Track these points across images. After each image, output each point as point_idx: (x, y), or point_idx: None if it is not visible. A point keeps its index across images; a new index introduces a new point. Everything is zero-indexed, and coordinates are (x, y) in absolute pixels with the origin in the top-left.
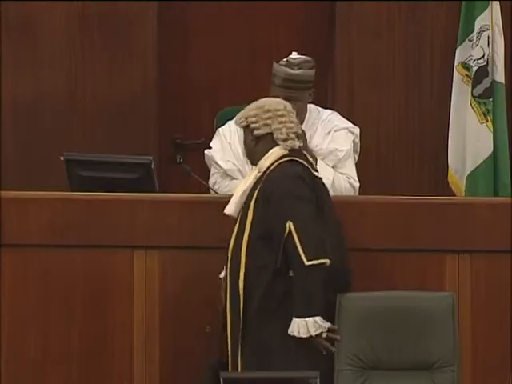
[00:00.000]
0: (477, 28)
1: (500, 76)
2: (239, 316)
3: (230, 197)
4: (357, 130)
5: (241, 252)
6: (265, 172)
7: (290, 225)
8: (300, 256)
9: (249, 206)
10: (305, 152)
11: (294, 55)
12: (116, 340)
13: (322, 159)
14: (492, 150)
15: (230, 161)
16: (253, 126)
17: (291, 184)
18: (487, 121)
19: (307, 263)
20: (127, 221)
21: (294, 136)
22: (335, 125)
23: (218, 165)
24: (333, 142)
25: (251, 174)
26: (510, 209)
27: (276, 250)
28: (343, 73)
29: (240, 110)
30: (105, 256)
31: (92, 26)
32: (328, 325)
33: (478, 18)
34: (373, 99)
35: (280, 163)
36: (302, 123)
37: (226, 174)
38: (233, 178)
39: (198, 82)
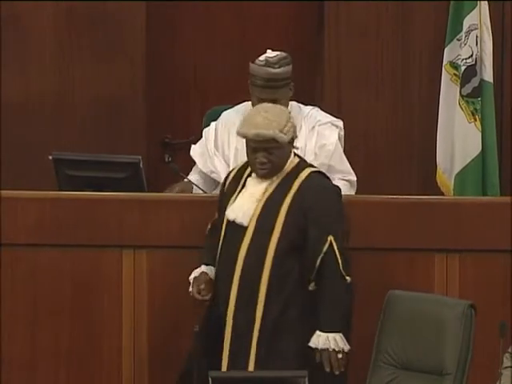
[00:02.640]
0: (465, 27)
1: (488, 75)
2: (252, 323)
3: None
4: (340, 122)
5: (264, 259)
6: (288, 179)
7: (331, 239)
8: (341, 271)
9: (275, 214)
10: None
11: (270, 53)
12: (104, 339)
13: (314, 157)
14: (480, 149)
15: (208, 165)
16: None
17: (333, 199)
18: (475, 120)
19: (348, 280)
20: (116, 220)
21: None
22: (318, 120)
23: (199, 170)
24: (319, 136)
25: (260, 182)
26: (497, 208)
27: (299, 260)
28: (332, 72)
29: (228, 109)
30: (93, 255)
31: (81, 26)
32: (348, 347)
33: (467, 18)
34: (361, 99)
35: (310, 174)
36: None
37: (206, 176)
38: (211, 179)
39: (186, 82)
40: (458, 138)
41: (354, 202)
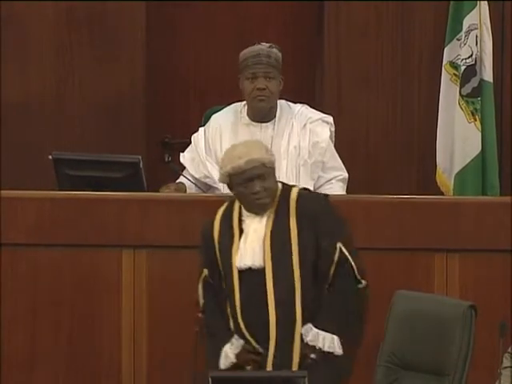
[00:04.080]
0: (465, 27)
1: (488, 75)
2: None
3: (218, 197)
4: (330, 118)
5: (294, 290)
6: (282, 206)
7: (340, 246)
8: (356, 276)
9: (288, 242)
10: None
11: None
12: (104, 339)
13: (308, 155)
14: (480, 149)
15: (201, 170)
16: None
17: (330, 208)
18: (475, 120)
19: (364, 283)
20: (115, 220)
21: None
22: (309, 117)
23: (191, 175)
24: (312, 134)
25: (259, 220)
26: (497, 208)
27: (312, 275)
28: (331, 72)
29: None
30: (93, 255)
31: (81, 25)
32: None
33: (466, 17)
34: (361, 99)
35: (299, 192)
36: (273, 114)
37: (197, 181)
38: (202, 183)
39: (186, 82)
40: (458, 138)
41: (354, 202)
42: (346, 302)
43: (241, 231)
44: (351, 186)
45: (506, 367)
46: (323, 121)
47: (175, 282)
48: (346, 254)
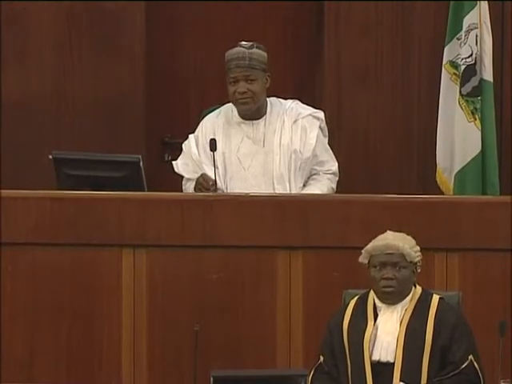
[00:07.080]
0: (465, 26)
1: (488, 74)
2: None
3: (219, 196)
4: (321, 114)
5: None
6: (421, 308)
7: (471, 358)
8: None
9: (421, 345)
10: None
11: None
12: (104, 339)
13: (300, 151)
14: (480, 148)
15: (195, 172)
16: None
17: (467, 325)
18: (475, 119)
19: None
20: (115, 219)
21: None
22: (299, 113)
23: (188, 179)
24: (302, 130)
25: (392, 312)
26: (497, 207)
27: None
28: (331, 72)
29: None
30: (93, 255)
31: (80, 25)
32: None
33: (467, 17)
34: (361, 98)
35: (439, 301)
36: (264, 111)
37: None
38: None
39: (186, 81)
40: (458, 138)
41: (354, 202)
42: None
43: (375, 321)
44: (351, 186)
45: None
46: (313, 116)
47: (175, 282)
48: (477, 367)
